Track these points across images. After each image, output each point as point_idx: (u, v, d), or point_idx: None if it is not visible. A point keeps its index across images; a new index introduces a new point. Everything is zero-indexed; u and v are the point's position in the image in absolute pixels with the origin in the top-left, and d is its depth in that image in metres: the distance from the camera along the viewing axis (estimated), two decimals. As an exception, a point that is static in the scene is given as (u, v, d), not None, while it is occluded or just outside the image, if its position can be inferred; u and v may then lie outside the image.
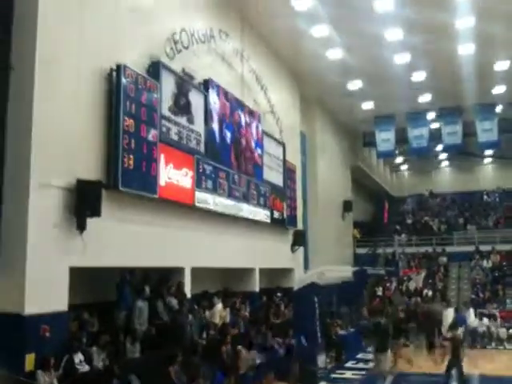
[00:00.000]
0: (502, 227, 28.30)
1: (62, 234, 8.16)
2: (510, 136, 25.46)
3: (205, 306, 12.80)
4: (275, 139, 17.59)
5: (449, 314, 19.16)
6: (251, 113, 15.59)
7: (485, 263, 25.02)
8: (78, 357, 8.06)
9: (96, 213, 8.39)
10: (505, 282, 23.21)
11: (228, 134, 14.01)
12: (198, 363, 9.64)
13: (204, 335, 11.77)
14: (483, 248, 25.75)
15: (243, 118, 15.01)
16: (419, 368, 14.27)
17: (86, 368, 8.12)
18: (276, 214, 16.89)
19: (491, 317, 20.04)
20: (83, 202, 8.26)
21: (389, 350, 12.22)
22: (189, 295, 11.76)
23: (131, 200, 9.75)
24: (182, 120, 11.66)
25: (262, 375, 11.10)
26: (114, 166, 9.16)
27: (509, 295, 22.39)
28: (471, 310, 19.84)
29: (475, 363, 16.38)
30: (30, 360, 7.33)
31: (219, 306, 13.15)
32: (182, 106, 11.69)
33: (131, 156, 9.47)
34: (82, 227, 8.33)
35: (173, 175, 11.00)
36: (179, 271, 11.80)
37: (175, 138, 11.30)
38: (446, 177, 37.93)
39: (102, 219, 8.62)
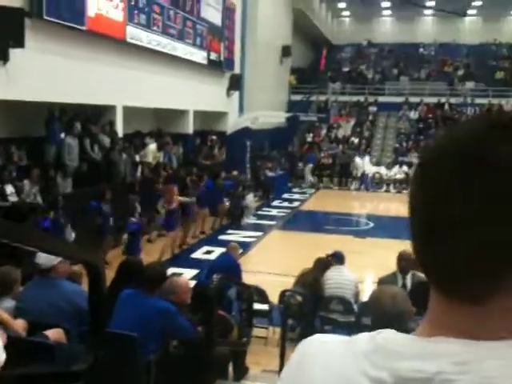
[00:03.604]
0: (433, 80, 28.97)
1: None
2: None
3: (137, 145, 12.86)
4: (214, -26, 16.51)
5: (364, 162, 20.72)
6: None
7: (412, 114, 25.99)
8: (9, 188, 8.15)
9: (19, 43, 7.91)
10: (428, 133, 24.38)
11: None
12: (134, 200, 9.87)
13: (139, 174, 12.01)
14: (412, 100, 26.51)
15: None
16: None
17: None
18: (213, 56, 16.46)
19: (411, 165, 21.41)
20: (5, 31, 7.73)
21: None
22: (120, 134, 11.74)
23: (58, 31, 9.19)
24: None
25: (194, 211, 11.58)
26: (38, -8, 8.47)
27: (430, 146, 23.67)
28: (367, 158, 21.30)
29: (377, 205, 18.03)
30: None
31: (153, 146, 13.26)
32: None
33: (56, -18, 8.74)
34: (4, 58, 7.91)
35: (103, 6, 10.32)
36: (110, 109, 11.63)
37: (104, -36, 10.40)
38: (386, 27, 37.49)
39: (27, 51, 8.19)
